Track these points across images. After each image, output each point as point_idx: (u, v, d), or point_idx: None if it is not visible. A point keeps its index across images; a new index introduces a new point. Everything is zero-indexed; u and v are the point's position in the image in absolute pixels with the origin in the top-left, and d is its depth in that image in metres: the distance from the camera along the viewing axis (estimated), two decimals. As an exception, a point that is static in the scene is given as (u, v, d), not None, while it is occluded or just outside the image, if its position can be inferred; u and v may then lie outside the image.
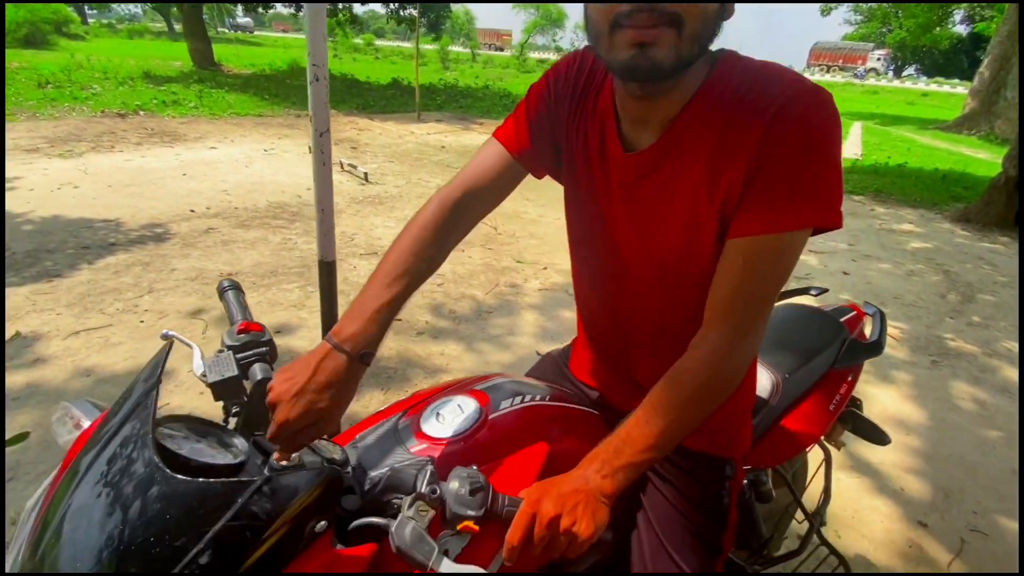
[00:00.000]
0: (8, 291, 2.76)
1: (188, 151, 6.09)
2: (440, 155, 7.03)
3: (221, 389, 0.64)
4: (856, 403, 1.34)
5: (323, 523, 0.54)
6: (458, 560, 0.51)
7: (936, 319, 3.39)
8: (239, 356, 0.68)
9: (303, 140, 6.99)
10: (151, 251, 3.38)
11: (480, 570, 0.50)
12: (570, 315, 2.98)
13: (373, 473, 0.64)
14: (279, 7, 16.94)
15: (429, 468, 0.57)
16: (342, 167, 5.79)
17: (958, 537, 1.75)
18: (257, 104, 9.63)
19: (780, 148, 0.59)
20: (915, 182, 7.41)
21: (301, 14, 13.75)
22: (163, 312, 2.69)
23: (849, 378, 1.20)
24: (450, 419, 0.72)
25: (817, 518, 1.36)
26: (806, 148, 0.59)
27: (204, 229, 3.81)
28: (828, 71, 48.61)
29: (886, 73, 48.31)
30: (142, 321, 2.59)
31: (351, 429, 0.80)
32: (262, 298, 2.90)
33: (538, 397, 0.81)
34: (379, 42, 38.40)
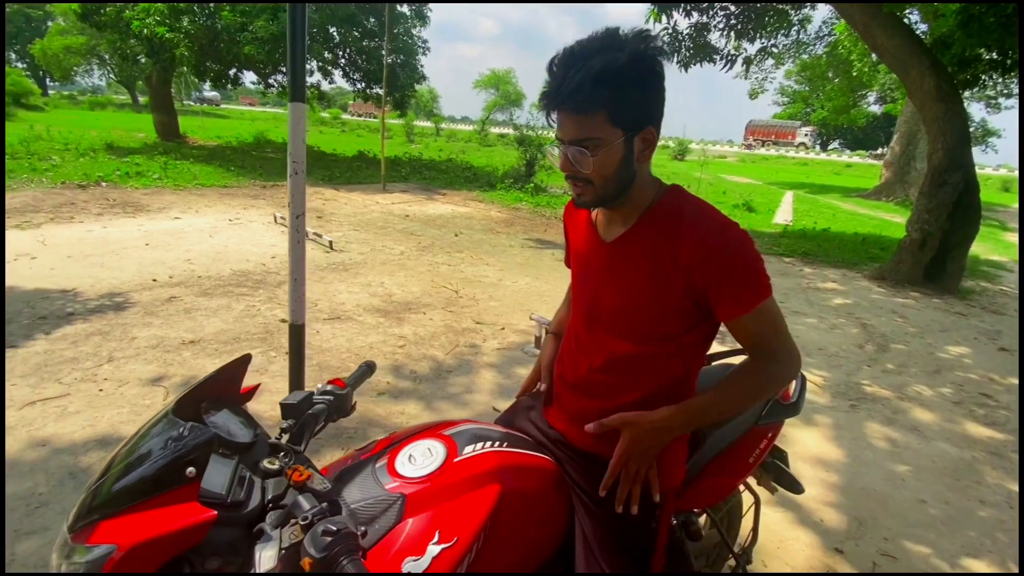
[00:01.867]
0: (-41, 363, 2.73)
1: (151, 221, 6.17)
2: (404, 223, 7.34)
3: (285, 410, 0.86)
4: (781, 454, 1.49)
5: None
6: None
7: (855, 367, 3.76)
8: (316, 396, 0.91)
9: (268, 210, 7.19)
10: (111, 320, 3.41)
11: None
12: (524, 371, 3.17)
13: (354, 506, 0.80)
14: (247, 83, 17.65)
15: (324, 505, 0.70)
16: (308, 236, 5.98)
17: (871, 561, 1.94)
18: (223, 175, 9.84)
19: (711, 269, 0.87)
20: (838, 244, 8.22)
21: (271, 90, 14.44)
22: (123, 380, 2.72)
23: (769, 434, 1.34)
24: (420, 461, 0.86)
25: (744, 556, 1.53)
26: (733, 260, 0.88)
27: (166, 298, 3.87)
28: (763, 145, 53.57)
29: (814, 147, 53.66)
30: (101, 389, 2.61)
31: (338, 461, 0.97)
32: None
33: (496, 444, 0.93)
34: (345, 116, 40.00)
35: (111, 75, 37.41)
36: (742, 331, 0.93)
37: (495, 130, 38.39)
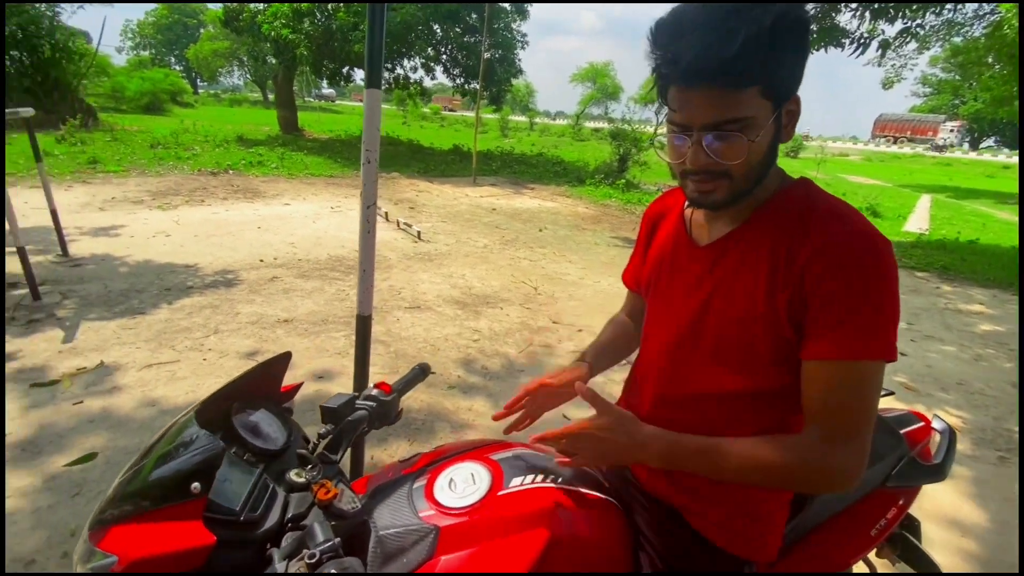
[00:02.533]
0: (99, 324, 3.14)
1: (265, 206, 6.77)
2: (490, 217, 7.38)
3: (325, 413, 0.79)
4: (912, 524, 1.20)
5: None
6: None
7: (1006, 410, 3.12)
8: (358, 401, 0.84)
9: (366, 199, 7.59)
10: (221, 295, 3.75)
11: None
12: (600, 380, 3.00)
13: (382, 533, 0.71)
14: (358, 80, 18.86)
15: (337, 540, 0.62)
16: (399, 225, 6.22)
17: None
18: (330, 166, 10.59)
19: (827, 282, 0.66)
20: (988, 259, 6.98)
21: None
22: (224, 351, 2.96)
23: (900, 501, 1.07)
24: (461, 488, 0.75)
25: None
26: (854, 288, 0.65)
27: (269, 278, 4.19)
28: (895, 142, 47.38)
29: (960, 145, 46.46)
30: (205, 359, 2.86)
31: (380, 471, 0.90)
32: (311, 344, 3.12)
33: (550, 479, 0.79)
34: (445, 112, 41.52)
35: (247, 75, 42.09)
36: (814, 382, 0.69)
37: (589, 124, 37.75)
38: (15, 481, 1.88)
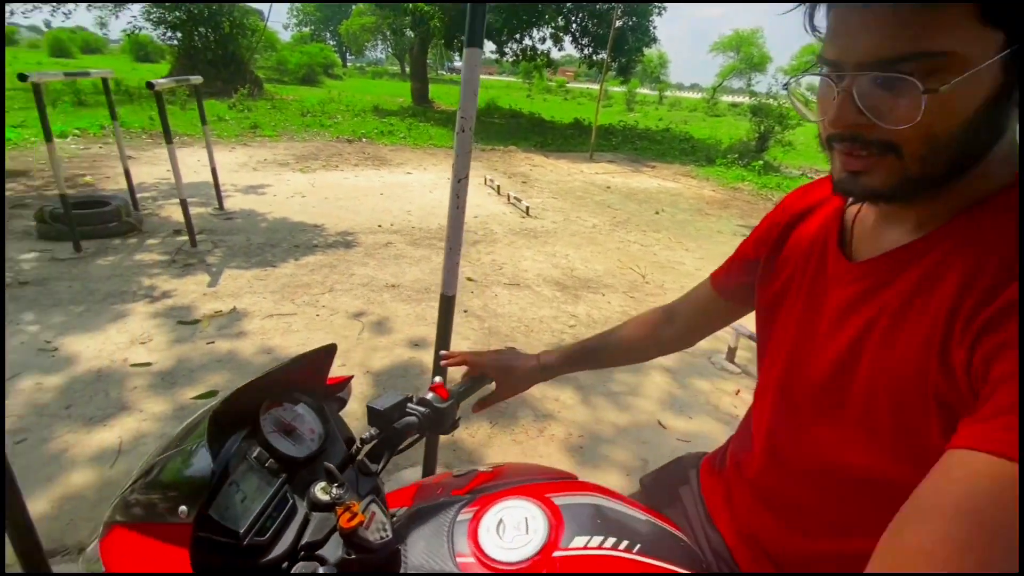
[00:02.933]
0: (238, 273, 3.52)
1: (389, 174, 7.14)
2: (603, 195, 7.06)
3: (372, 415, 0.69)
4: None
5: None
6: None
7: None
8: (410, 405, 0.74)
9: (482, 172, 7.66)
10: (340, 256, 4.01)
11: None
12: (707, 387, 2.70)
13: (412, 572, 0.59)
14: (487, 52, 19.07)
15: None
16: (509, 199, 6.19)
17: None
18: (452, 137, 10.88)
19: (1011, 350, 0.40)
20: None
21: (506, 59, 15.31)
22: (335, 309, 3.15)
23: None
24: (510, 535, 0.61)
25: None
26: None
27: (384, 243, 4.40)
28: None
29: None
30: (318, 315, 3.07)
31: (424, 485, 0.79)
32: (411, 311, 3.21)
33: (624, 545, 0.61)
34: (571, 84, 40.63)
35: (389, 49, 44.91)
36: (940, 485, 0.40)
37: (727, 99, 34.45)
38: (154, 407, 2.16)
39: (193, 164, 6.10)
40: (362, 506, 0.60)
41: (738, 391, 2.68)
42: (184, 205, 3.75)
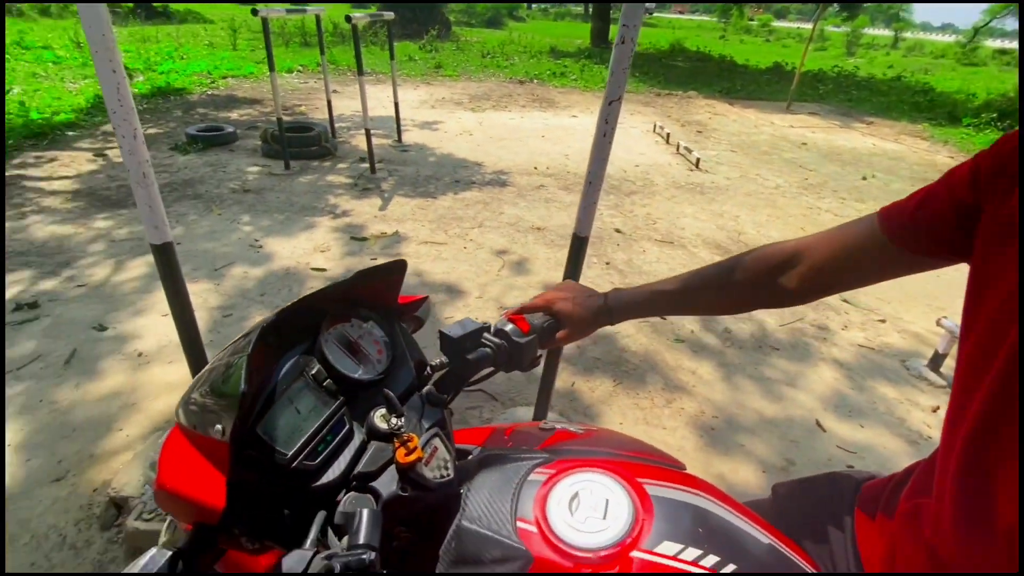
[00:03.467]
0: (404, 200, 3.82)
1: (555, 117, 7.01)
2: (796, 152, 6.02)
3: (444, 342, 0.64)
4: None
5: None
6: None
7: None
8: (486, 335, 0.67)
9: (651, 118, 7.08)
10: (493, 194, 4.10)
11: None
12: (893, 394, 2.20)
13: (465, 525, 0.51)
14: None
15: (370, 556, 0.42)
16: (678, 149, 5.64)
17: None
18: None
19: None
20: None
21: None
22: (481, 244, 3.25)
23: None
24: (583, 514, 0.51)
25: None
26: None
27: (537, 185, 4.36)
28: None
29: None
30: (465, 247, 3.20)
31: (493, 428, 0.73)
32: (551, 256, 3.15)
33: (728, 569, 0.47)
34: (778, 23, 34.83)
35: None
36: None
37: (994, 43, 26.33)
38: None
39: (383, 99, 6.69)
40: (423, 439, 0.55)
41: (937, 408, 2.14)
42: (368, 135, 4.14)
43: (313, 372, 0.55)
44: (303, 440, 0.51)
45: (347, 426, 0.55)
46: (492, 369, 0.68)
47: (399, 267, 0.63)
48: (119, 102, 1.01)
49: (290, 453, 0.49)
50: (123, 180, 3.82)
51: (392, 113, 5.35)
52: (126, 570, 0.42)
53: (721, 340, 2.48)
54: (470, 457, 0.64)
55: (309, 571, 0.41)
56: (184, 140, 4.72)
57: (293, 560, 0.42)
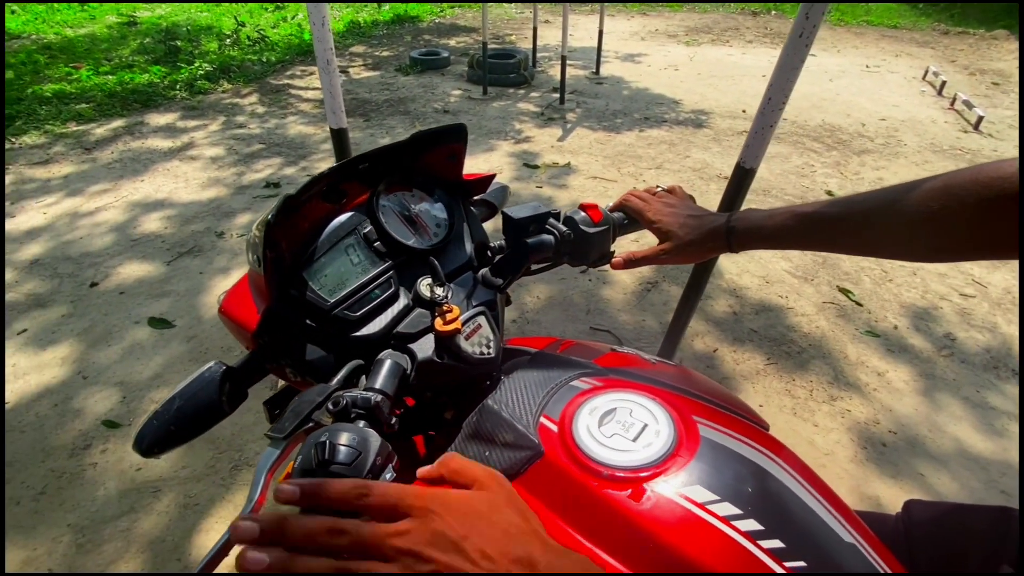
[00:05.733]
0: (585, 133, 3.71)
1: (785, 55, 5.93)
2: None
3: (506, 224, 0.61)
4: None
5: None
6: None
7: None
8: (551, 220, 0.62)
9: (923, 63, 5.50)
10: (684, 135, 3.71)
11: None
12: None
13: (490, 404, 0.49)
14: None
15: (380, 399, 0.44)
16: (952, 103, 4.33)
17: None
18: (900, 13, 8.03)
19: None
20: None
21: None
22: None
23: None
24: (609, 430, 0.44)
25: None
26: None
27: (739, 130, 3.81)
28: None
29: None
30: (635, 188, 3.00)
31: (554, 340, 0.66)
32: (734, 210, 2.77)
33: (775, 544, 0.37)
34: None
35: None
36: None
37: None
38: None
39: (592, 31, 6.44)
40: (466, 315, 0.53)
41: None
42: (563, 64, 4.05)
43: (365, 231, 0.56)
44: (347, 291, 0.53)
45: (392, 288, 0.55)
46: (554, 260, 0.62)
47: (457, 132, 0.59)
48: (313, -7, 1.14)
49: (332, 300, 0.52)
50: (356, 94, 4.46)
51: (595, 44, 5.12)
52: (187, 379, 0.50)
53: (936, 345, 1.93)
54: (523, 356, 0.61)
55: (321, 400, 0.43)
56: (407, 62, 5.25)
57: (314, 391, 0.45)
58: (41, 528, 1.27)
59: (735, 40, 6.57)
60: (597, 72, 5.07)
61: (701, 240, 0.59)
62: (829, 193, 2.96)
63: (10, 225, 2.51)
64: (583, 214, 0.62)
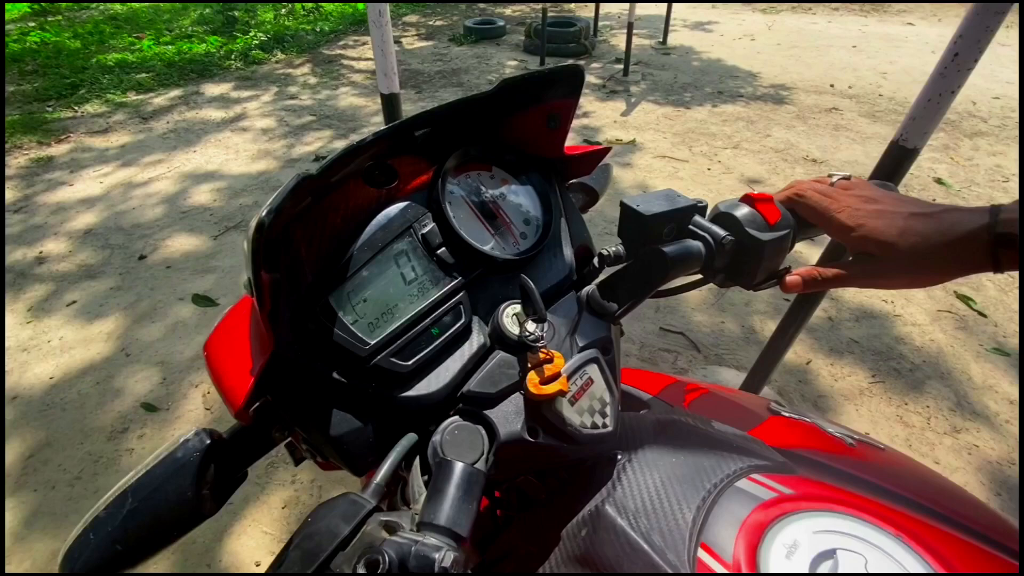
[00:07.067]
0: (652, 107, 3.40)
1: (878, 23, 5.30)
2: None
3: (625, 220, 0.44)
4: None
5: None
6: None
7: None
8: (696, 217, 0.44)
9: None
10: (764, 111, 3.34)
11: None
12: None
13: (611, 513, 0.31)
14: None
15: (454, 553, 0.25)
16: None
17: None
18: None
19: None
20: None
21: None
22: (730, 169, 2.70)
23: None
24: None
25: None
26: None
27: (828, 107, 3.40)
28: None
29: None
30: (709, 169, 2.70)
31: (681, 381, 0.48)
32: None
33: None
34: None
35: None
36: None
37: None
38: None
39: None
40: (572, 364, 0.35)
41: None
42: (629, 32, 3.71)
43: (424, 232, 0.37)
44: (396, 325, 0.35)
45: (463, 319, 0.37)
46: (699, 277, 0.42)
47: (571, 76, 0.39)
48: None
49: (373, 341, 0.34)
50: (408, 64, 4.29)
51: (663, 12, 4.72)
52: (151, 458, 0.34)
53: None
54: (643, 412, 0.42)
55: (348, 538, 0.26)
56: (461, 32, 5.03)
57: (336, 512, 0.27)
58: (72, 517, 1.21)
59: (819, 7, 5.94)
60: (664, 42, 4.68)
61: (941, 253, 0.37)
62: (939, 181, 2.57)
63: (68, 193, 2.52)
64: (749, 209, 0.41)
